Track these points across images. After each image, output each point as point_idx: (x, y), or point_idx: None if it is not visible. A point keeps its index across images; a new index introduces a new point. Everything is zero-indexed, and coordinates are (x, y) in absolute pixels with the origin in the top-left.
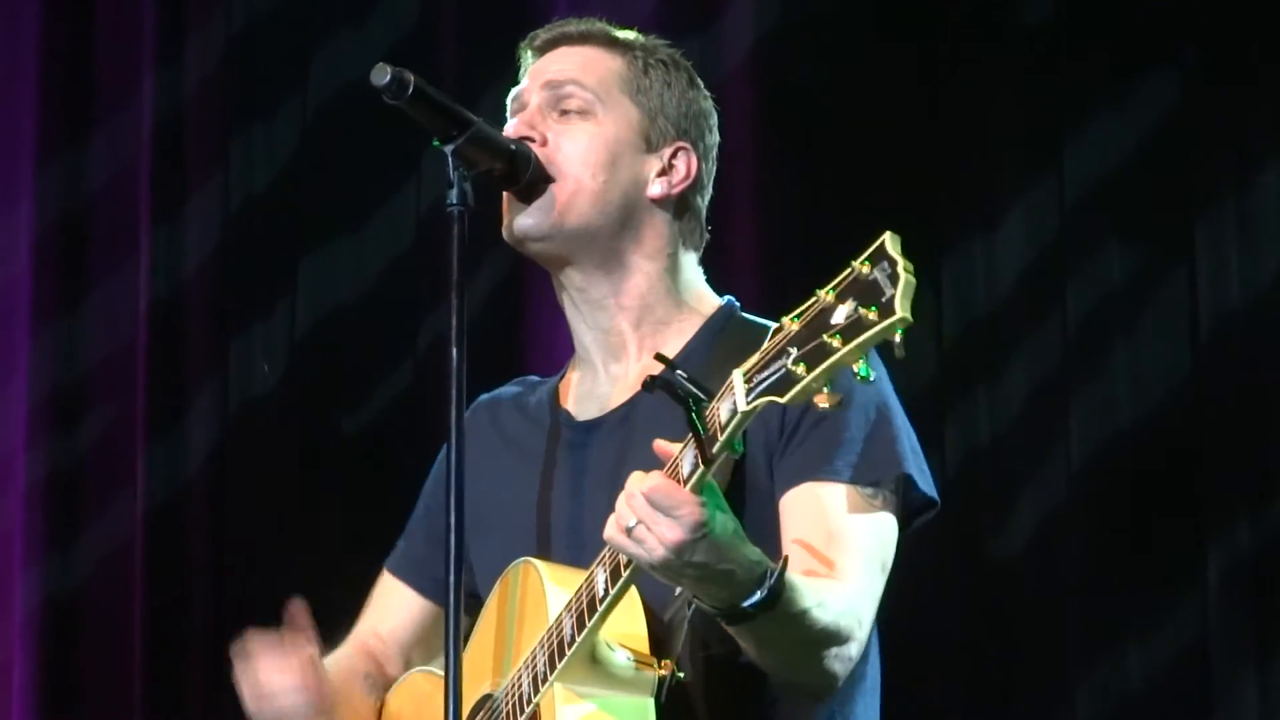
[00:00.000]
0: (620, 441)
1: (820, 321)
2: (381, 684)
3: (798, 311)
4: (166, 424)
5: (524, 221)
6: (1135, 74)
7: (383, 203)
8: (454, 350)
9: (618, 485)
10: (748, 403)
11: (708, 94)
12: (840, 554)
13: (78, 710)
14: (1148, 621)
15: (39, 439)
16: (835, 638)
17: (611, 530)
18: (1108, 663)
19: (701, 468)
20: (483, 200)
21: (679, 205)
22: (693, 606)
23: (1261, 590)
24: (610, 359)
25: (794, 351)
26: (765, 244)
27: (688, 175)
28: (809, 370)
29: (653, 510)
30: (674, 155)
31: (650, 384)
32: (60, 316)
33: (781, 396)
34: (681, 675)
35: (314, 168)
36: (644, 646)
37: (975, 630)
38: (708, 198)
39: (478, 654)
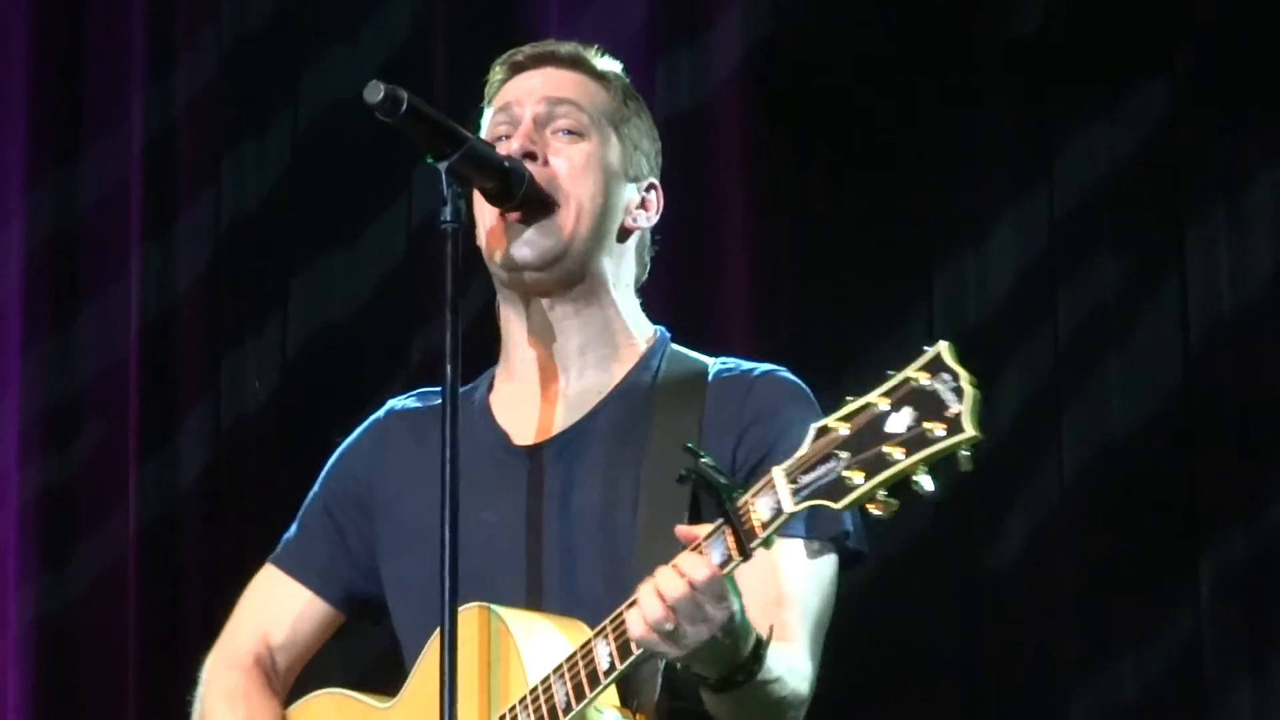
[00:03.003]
0: (560, 471)
1: (874, 429)
2: (280, 715)
3: (843, 413)
4: (159, 441)
5: (524, 251)
6: (1125, 84)
7: (374, 219)
8: (449, 366)
9: (567, 514)
10: (795, 503)
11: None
12: (792, 615)
13: None
14: (1141, 631)
15: (31, 457)
16: (797, 698)
17: (641, 629)
18: (1102, 673)
19: (736, 559)
20: (471, 216)
21: (641, 240)
22: (664, 661)
23: (1254, 600)
24: (550, 379)
25: (845, 456)
26: (755, 252)
27: (658, 210)
28: (867, 478)
29: (693, 609)
30: (648, 189)
31: (683, 478)
32: (52, 334)
33: (835, 502)
34: None
35: (305, 184)
36: (615, 699)
37: (968, 641)
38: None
39: (419, 693)
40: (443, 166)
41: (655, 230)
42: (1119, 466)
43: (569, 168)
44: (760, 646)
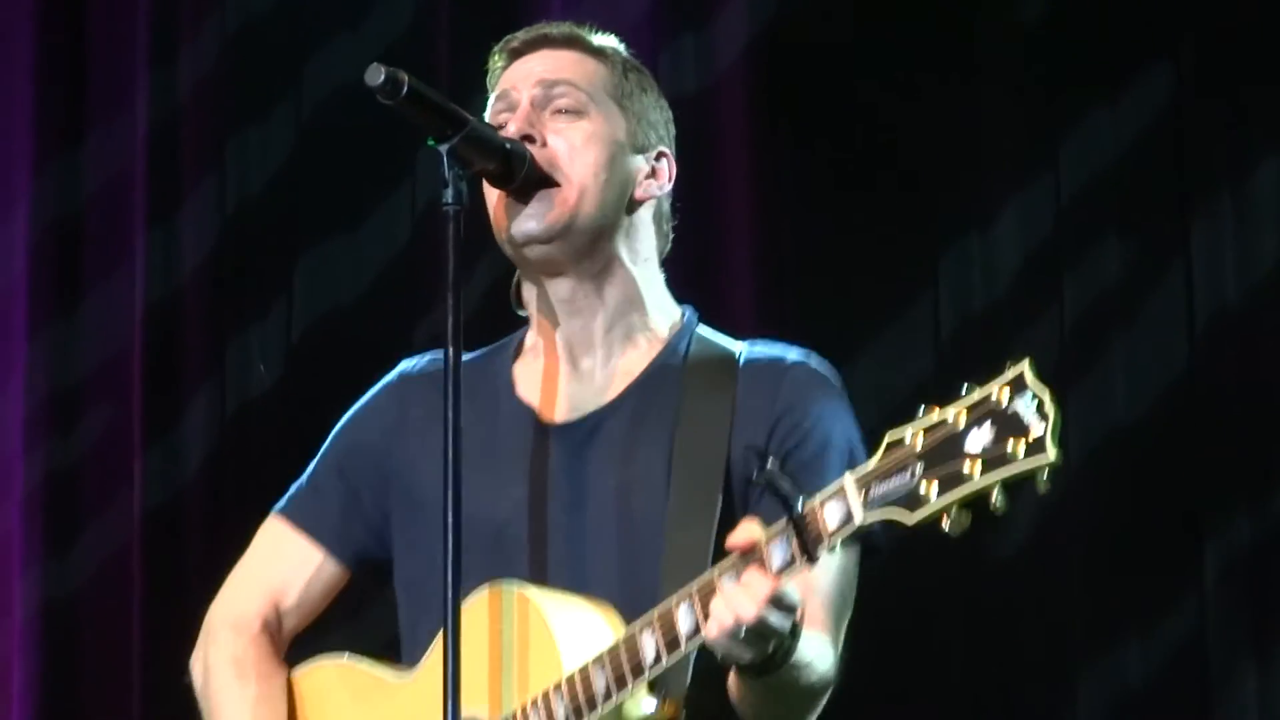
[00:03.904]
0: (589, 452)
1: (951, 444)
2: (285, 683)
3: (919, 426)
4: (163, 426)
5: (528, 225)
6: (1131, 69)
7: (378, 203)
8: (450, 350)
9: (595, 495)
10: (865, 513)
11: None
12: (818, 605)
13: (77, 713)
14: (1146, 617)
15: (36, 443)
16: (823, 684)
17: (716, 632)
18: (1107, 659)
19: (799, 563)
20: (478, 199)
21: (658, 210)
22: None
23: (1259, 586)
24: (578, 358)
25: (919, 469)
26: (760, 241)
27: (670, 179)
28: (941, 493)
29: (767, 622)
30: (657, 158)
31: (749, 482)
32: (56, 320)
33: (909, 514)
34: (684, 717)
35: (309, 169)
36: (645, 685)
37: (974, 627)
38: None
39: (440, 670)
40: (444, 149)
41: (676, 200)
42: (1124, 453)
43: (569, 148)
44: (797, 625)
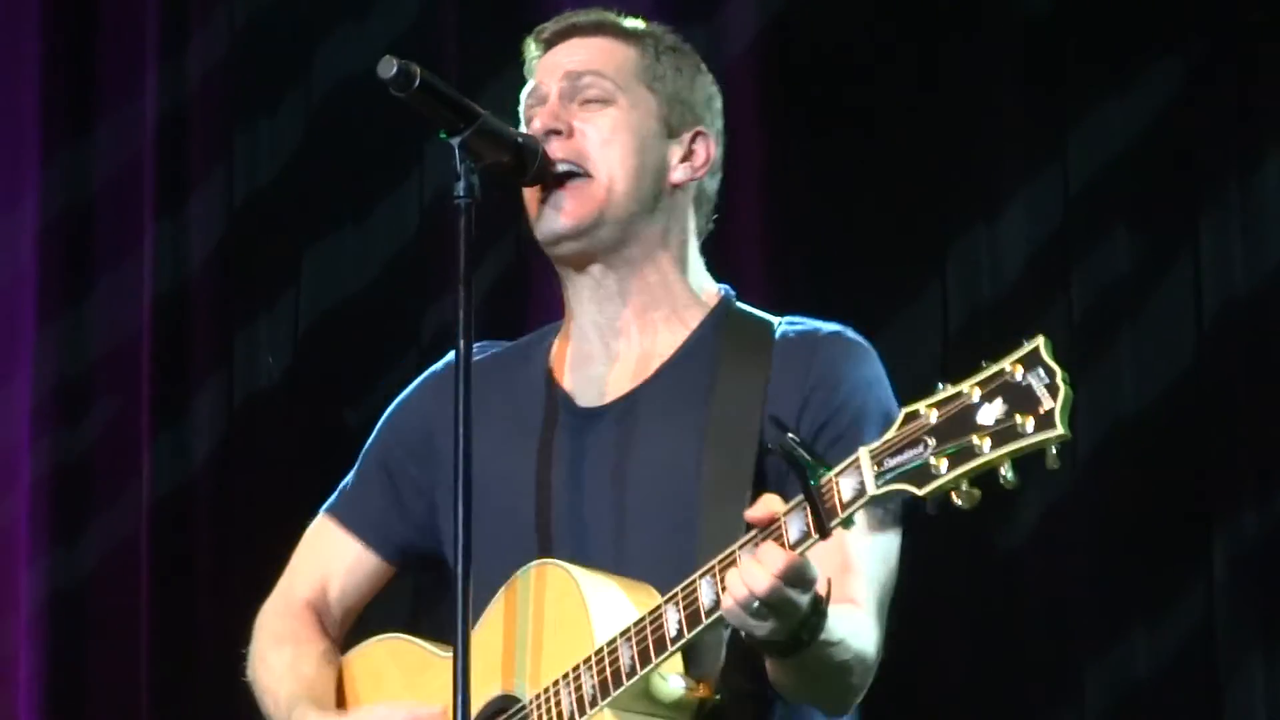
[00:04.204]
0: (623, 434)
1: (964, 418)
2: (334, 655)
3: (935, 400)
4: (171, 417)
5: (556, 224)
6: (1139, 61)
7: (386, 194)
8: (461, 342)
9: (631, 476)
10: (878, 487)
11: (713, 79)
12: (858, 581)
13: (84, 703)
14: (1154, 609)
15: (44, 432)
16: (861, 662)
17: (730, 604)
18: (1115, 651)
19: (814, 538)
20: (489, 192)
21: (697, 191)
22: (729, 630)
23: (1267, 577)
24: (613, 341)
25: (932, 443)
26: (770, 231)
27: (707, 160)
28: (951, 467)
29: (780, 599)
30: (693, 140)
31: (767, 450)
32: (65, 310)
33: (919, 488)
34: (718, 698)
35: (317, 161)
36: (679, 666)
37: (982, 619)
38: (718, 182)
39: (484, 647)
40: (455, 142)
41: (725, 177)
42: (1131, 445)
43: (597, 137)
44: (820, 602)
